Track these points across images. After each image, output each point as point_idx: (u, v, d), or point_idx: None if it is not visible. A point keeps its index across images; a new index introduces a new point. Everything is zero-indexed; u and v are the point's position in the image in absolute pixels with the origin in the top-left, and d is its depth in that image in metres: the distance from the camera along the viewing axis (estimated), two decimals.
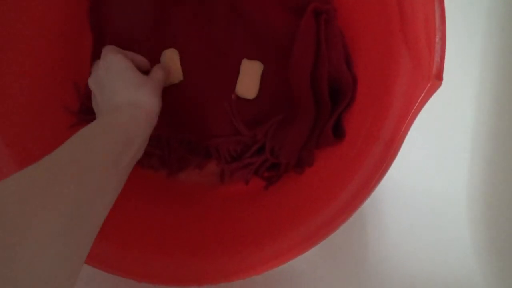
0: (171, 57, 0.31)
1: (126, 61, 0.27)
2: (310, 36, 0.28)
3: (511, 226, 0.32)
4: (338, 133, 0.28)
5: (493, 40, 0.32)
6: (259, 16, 0.30)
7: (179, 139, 0.33)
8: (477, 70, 0.32)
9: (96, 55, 0.34)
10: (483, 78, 0.32)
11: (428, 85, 0.21)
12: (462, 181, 0.32)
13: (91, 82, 0.28)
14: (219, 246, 0.27)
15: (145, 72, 0.30)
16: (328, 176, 0.27)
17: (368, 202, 0.24)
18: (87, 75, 0.34)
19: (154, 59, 0.32)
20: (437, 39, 0.21)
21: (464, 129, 0.32)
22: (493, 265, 0.32)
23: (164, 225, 0.30)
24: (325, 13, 0.28)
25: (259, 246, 0.26)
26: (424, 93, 0.21)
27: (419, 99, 0.22)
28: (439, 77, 0.22)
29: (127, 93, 0.27)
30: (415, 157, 0.32)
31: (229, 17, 0.31)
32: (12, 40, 0.28)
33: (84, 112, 0.33)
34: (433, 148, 0.32)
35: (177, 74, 0.32)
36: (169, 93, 0.32)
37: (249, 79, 0.32)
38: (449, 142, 0.32)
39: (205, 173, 0.35)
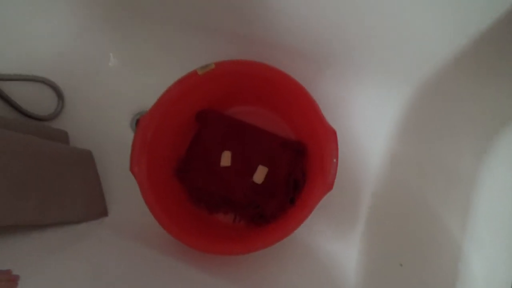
0: (227, 155, 0.67)
1: None
2: (289, 161, 0.63)
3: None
4: (293, 202, 0.61)
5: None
6: (271, 151, 0.66)
7: (219, 194, 0.66)
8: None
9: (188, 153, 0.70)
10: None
11: (327, 188, 0.55)
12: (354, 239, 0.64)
13: None
14: (233, 241, 0.59)
15: None
16: (285, 220, 0.59)
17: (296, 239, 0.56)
18: (183, 154, 0.70)
19: (219, 155, 0.68)
20: (332, 172, 0.56)
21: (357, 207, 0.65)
22: None
23: (210, 234, 0.62)
24: (297, 151, 0.64)
25: (251, 242, 0.57)
26: (325, 190, 0.55)
27: (323, 192, 0.55)
28: (331, 186, 0.55)
29: None
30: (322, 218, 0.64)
31: (259, 148, 0.67)
32: (160, 157, 0.65)
33: (176, 171, 0.67)
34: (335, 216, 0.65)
35: (228, 162, 0.67)
36: (222, 171, 0.67)
37: (260, 174, 0.66)
38: (345, 213, 0.65)
39: (227, 216, 0.67)
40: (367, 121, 0.68)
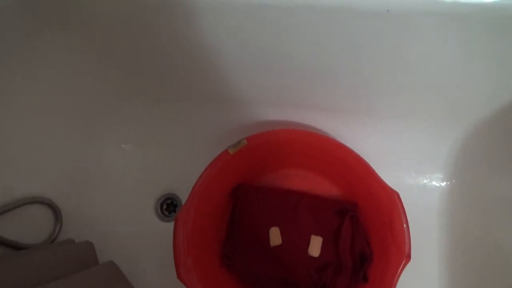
0: (276, 231, 0.61)
1: None
2: (348, 229, 0.57)
3: None
4: (365, 278, 0.55)
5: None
6: (322, 218, 0.60)
7: (276, 277, 0.59)
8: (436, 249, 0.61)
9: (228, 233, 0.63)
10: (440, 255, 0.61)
11: (404, 260, 0.49)
12: None
13: None
14: None
15: None
16: None
17: None
18: (224, 237, 0.63)
19: (266, 232, 0.61)
20: (406, 241, 0.50)
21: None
22: None
23: None
24: (355, 217, 0.58)
25: None
26: (403, 264, 0.49)
27: (401, 266, 0.49)
28: (409, 257, 0.50)
29: None
30: None
31: (307, 217, 0.61)
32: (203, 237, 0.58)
33: (222, 258, 0.61)
34: None
35: (278, 240, 0.61)
36: (274, 250, 0.60)
37: (315, 246, 0.60)
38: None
39: None
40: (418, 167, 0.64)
